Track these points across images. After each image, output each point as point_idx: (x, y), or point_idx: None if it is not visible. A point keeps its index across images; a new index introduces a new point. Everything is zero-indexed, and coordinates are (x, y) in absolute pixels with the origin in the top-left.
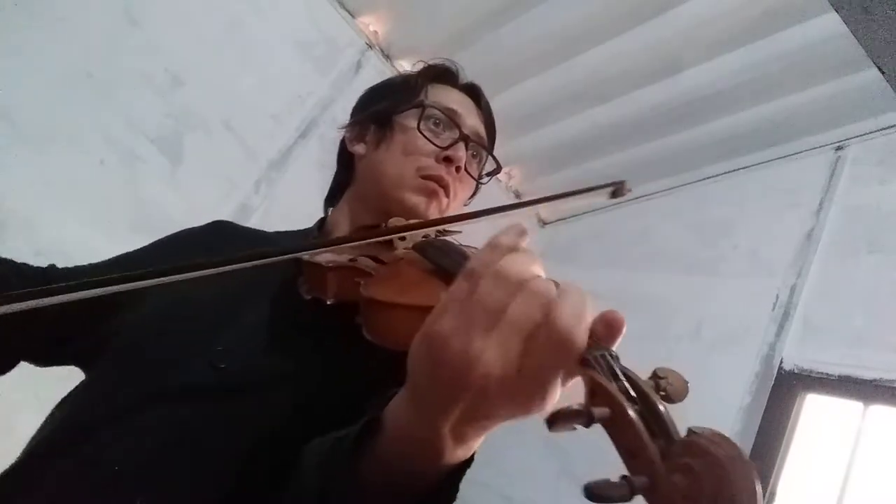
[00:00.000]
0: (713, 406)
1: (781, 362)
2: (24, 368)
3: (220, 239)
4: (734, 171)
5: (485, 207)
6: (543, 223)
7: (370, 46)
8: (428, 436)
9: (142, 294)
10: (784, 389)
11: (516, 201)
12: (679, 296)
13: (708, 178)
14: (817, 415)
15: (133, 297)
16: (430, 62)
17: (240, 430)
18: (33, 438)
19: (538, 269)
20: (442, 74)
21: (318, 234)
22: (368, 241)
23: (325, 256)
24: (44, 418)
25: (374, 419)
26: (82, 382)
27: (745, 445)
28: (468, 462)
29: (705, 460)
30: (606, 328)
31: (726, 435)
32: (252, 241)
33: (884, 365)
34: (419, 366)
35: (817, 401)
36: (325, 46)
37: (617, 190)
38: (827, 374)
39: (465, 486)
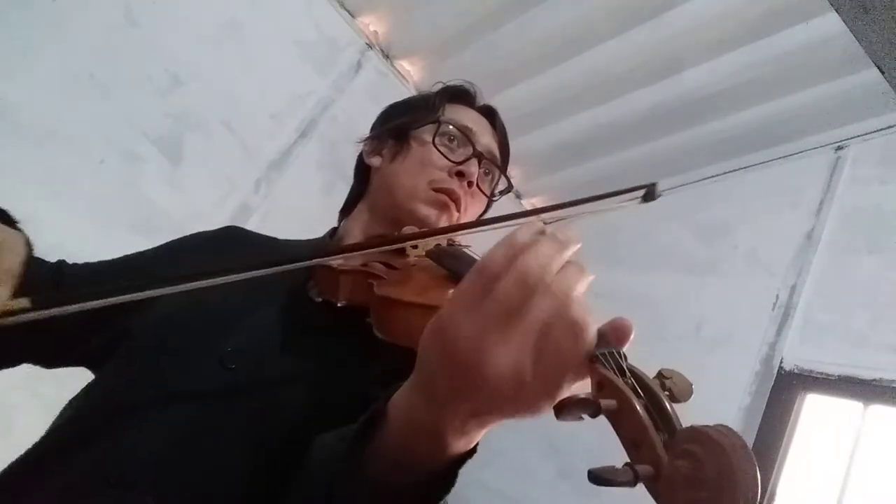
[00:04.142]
0: (713, 406)
1: (781, 362)
2: (23, 369)
3: (231, 244)
4: (734, 171)
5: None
6: (543, 223)
7: (370, 46)
8: (433, 425)
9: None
10: (784, 389)
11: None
12: (679, 296)
13: (708, 178)
14: (817, 415)
15: (147, 299)
16: (449, 83)
17: (251, 431)
18: (43, 437)
19: (559, 263)
20: (459, 95)
21: (330, 243)
22: (383, 248)
23: (337, 261)
24: (43, 418)
25: (378, 410)
26: (91, 382)
27: None
28: (469, 454)
29: (708, 446)
30: (615, 332)
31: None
32: (263, 247)
33: (884, 365)
34: (431, 357)
35: (817, 401)
36: (325, 46)
37: (648, 193)
38: (827, 374)
39: (465, 486)
